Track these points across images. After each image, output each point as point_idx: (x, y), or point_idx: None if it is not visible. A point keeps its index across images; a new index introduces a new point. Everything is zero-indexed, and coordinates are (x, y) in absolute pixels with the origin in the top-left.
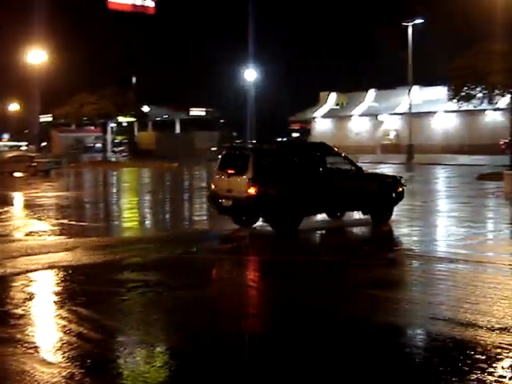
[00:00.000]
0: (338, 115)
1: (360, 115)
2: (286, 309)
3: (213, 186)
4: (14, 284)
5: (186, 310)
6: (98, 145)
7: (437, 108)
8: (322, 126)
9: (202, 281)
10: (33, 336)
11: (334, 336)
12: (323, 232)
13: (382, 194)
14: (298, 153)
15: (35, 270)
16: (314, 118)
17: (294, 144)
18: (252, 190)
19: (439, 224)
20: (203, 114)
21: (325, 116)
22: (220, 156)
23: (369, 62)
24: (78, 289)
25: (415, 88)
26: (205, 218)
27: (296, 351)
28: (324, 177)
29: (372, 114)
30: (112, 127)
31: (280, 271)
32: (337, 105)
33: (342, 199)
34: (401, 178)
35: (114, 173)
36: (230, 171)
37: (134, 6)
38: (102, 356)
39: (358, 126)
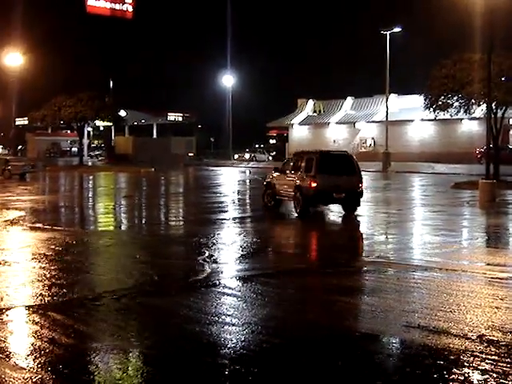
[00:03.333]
0: (316, 122)
1: (337, 123)
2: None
3: (314, 184)
4: None
5: (159, 317)
6: (75, 149)
7: (413, 116)
8: (299, 132)
9: (178, 286)
10: (4, 341)
11: (309, 343)
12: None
13: None
14: None
15: (8, 275)
16: (292, 124)
17: None
18: (361, 186)
19: (414, 232)
20: (180, 119)
21: (302, 123)
22: (314, 161)
23: (346, 69)
24: (51, 294)
25: (392, 96)
26: (181, 223)
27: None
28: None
29: (349, 122)
30: (89, 131)
31: None
32: (314, 112)
33: None
34: None
35: (90, 177)
36: (337, 170)
37: (113, 10)
38: (74, 361)
39: (335, 133)
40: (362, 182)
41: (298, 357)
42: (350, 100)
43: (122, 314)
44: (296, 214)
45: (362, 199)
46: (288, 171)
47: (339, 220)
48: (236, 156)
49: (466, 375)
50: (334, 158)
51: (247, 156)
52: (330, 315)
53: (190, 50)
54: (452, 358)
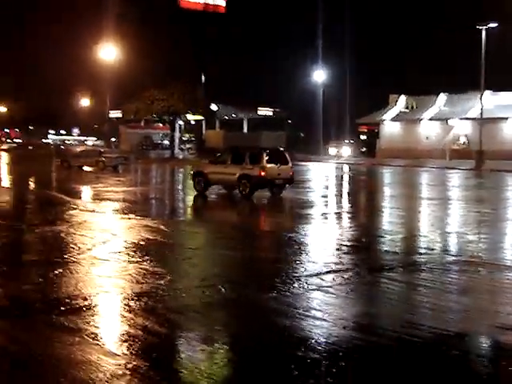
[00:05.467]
0: (408, 118)
1: (430, 119)
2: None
3: (263, 173)
4: (80, 276)
5: (248, 309)
6: (166, 142)
7: (509, 114)
8: (390, 128)
9: (266, 280)
10: (99, 327)
11: (400, 341)
12: None
13: None
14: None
15: (102, 263)
16: (383, 120)
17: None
18: (292, 173)
19: (508, 232)
20: (271, 113)
21: (394, 119)
22: (265, 153)
23: (440, 65)
24: (143, 282)
25: (487, 93)
26: (269, 217)
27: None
28: None
29: (442, 119)
30: (180, 125)
31: None
32: (406, 108)
33: None
34: None
35: (181, 170)
36: (278, 162)
37: (206, 4)
38: (167, 350)
39: (428, 130)
40: (293, 171)
41: (389, 355)
42: (443, 96)
43: (213, 304)
44: (242, 196)
45: None
46: (227, 163)
47: (418, 214)
48: (332, 150)
49: None
50: (274, 153)
51: (346, 151)
52: (422, 313)
53: (282, 44)
54: None
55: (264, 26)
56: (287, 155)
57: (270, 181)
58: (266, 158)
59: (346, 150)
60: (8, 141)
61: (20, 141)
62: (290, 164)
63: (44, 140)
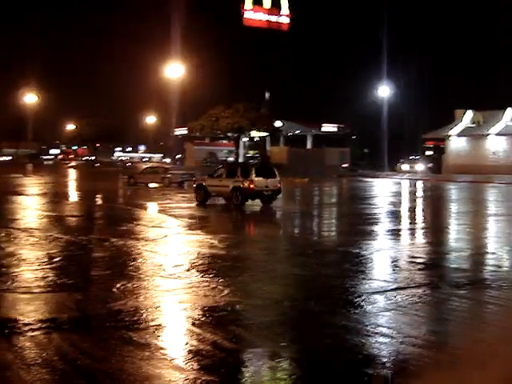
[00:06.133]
0: (474, 134)
1: (497, 134)
2: None
3: (252, 186)
4: (150, 291)
5: (317, 326)
6: (231, 158)
7: None
8: (457, 144)
9: (338, 297)
10: (169, 342)
11: (472, 359)
12: None
13: None
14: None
15: (170, 280)
16: (449, 136)
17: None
18: (280, 185)
19: None
20: (335, 130)
21: (460, 134)
22: (254, 168)
23: (507, 78)
24: (213, 299)
25: None
26: (333, 233)
27: None
28: None
29: (510, 133)
30: (244, 141)
31: None
32: (473, 123)
33: None
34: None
35: None
36: (266, 175)
37: (269, 22)
38: (235, 365)
39: (495, 145)
40: (280, 183)
41: (457, 372)
42: (510, 111)
43: (280, 320)
44: (235, 206)
45: None
46: (222, 177)
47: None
48: (405, 166)
49: None
50: (262, 167)
51: (420, 167)
52: (491, 331)
53: (346, 61)
54: None
55: (328, 42)
56: (275, 169)
57: (258, 192)
58: (255, 172)
59: (420, 166)
60: (87, 159)
61: (93, 158)
62: (278, 177)
63: (121, 158)
